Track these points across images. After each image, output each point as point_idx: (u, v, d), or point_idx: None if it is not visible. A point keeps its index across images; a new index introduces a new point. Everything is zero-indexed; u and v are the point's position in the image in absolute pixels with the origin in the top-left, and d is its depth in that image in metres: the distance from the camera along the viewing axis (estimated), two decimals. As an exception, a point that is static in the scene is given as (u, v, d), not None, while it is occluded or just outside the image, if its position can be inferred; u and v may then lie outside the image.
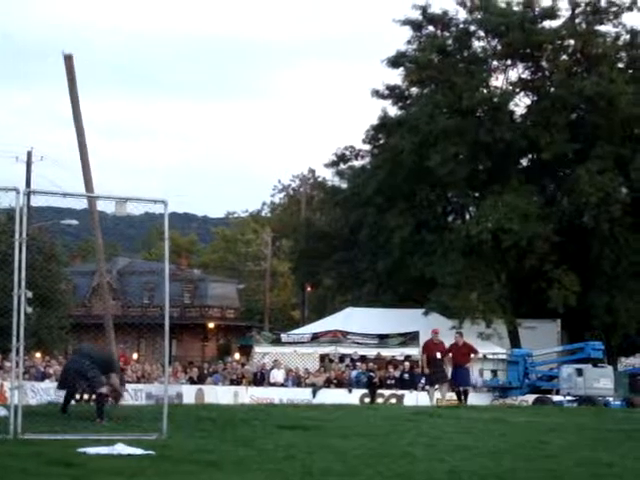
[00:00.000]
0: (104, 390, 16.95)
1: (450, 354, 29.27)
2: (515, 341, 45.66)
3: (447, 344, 29.58)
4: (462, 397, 28.98)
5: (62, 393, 18.14)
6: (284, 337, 44.67)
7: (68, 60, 20.20)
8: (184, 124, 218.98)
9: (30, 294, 13.89)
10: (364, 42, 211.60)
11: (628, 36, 49.09)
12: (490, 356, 40.54)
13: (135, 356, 49.17)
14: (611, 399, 35.53)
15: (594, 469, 11.67)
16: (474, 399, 32.39)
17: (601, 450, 14.18)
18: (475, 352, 30.56)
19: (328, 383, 38.01)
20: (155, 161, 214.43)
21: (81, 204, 21.21)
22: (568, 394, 35.67)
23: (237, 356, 51.36)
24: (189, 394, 35.32)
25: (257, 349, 43.74)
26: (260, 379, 38.80)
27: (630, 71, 48.64)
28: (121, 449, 12.09)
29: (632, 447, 15.09)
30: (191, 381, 38.75)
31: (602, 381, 35.95)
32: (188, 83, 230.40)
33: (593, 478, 10.89)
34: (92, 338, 36.70)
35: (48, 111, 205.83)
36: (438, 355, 28.49)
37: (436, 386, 28.77)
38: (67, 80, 20.35)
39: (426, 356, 28.82)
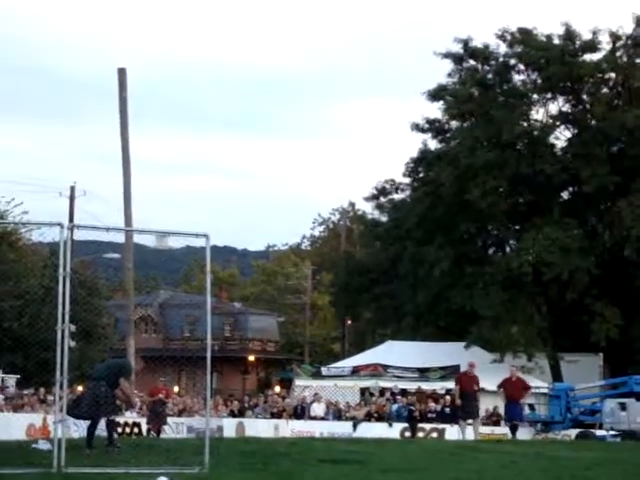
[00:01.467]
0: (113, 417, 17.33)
1: (502, 389, 29.16)
2: (557, 375, 45.35)
3: (490, 378, 29.40)
4: (514, 432, 28.85)
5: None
6: (324, 370, 44.62)
7: (121, 74, 20.52)
8: (228, 159, 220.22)
9: (73, 328, 13.98)
10: (405, 75, 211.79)
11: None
12: (533, 390, 40.28)
13: (176, 389, 49.30)
14: (654, 435, 35.11)
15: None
16: (521, 434, 32.19)
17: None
18: (529, 388, 30.49)
19: (369, 417, 37.90)
20: (199, 196, 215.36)
21: (123, 238, 21.49)
22: (611, 428, 35.34)
23: (277, 389, 51.36)
24: (230, 427, 35.29)
25: (297, 382, 43.70)
26: (300, 412, 38.75)
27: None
28: (163, 483, 12.14)
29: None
30: (232, 414, 38.78)
31: (645, 415, 35.64)
32: (228, 118, 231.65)
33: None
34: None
35: (93, 146, 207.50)
36: (474, 388, 28.12)
37: (469, 420, 28.34)
38: (119, 97, 20.67)
39: (459, 389, 28.39)
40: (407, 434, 35.39)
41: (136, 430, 33.81)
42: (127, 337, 24.86)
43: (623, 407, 35.61)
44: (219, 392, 55.28)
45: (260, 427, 34.98)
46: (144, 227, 17.85)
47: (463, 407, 28.00)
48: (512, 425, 29.19)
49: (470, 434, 27.50)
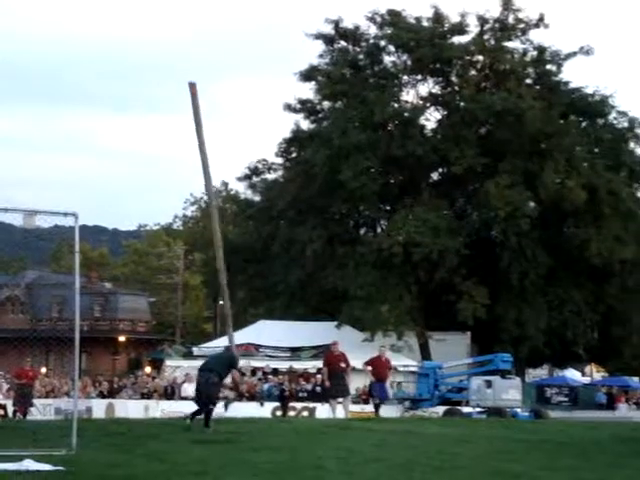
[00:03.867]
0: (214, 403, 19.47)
1: (369, 367, 29.30)
2: (426, 353, 46.04)
3: (361, 357, 29.57)
4: (378, 410, 29.07)
5: None
6: (196, 350, 44.32)
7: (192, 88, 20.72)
8: (100, 137, 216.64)
9: None
10: (277, 56, 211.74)
11: (535, 52, 50.03)
12: (401, 368, 40.77)
13: (44, 370, 48.37)
14: (519, 410, 35.87)
15: (501, 479, 11.82)
16: (386, 411, 32.52)
17: (510, 461, 14.35)
18: (392, 368, 30.85)
19: (240, 396, 37.83)
20: (68, 174, 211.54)
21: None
22: (477, 405, 35.92)
23: (148, 370, 50.84)
24: (99, 408, 34.85)
25: (168, 362, 43.37)
26: (171, 393, 38.42)
27: (537, 87, 49.51)
28: (29, 465, 11.88)
29: (539, 457, 15.31)
30: (101, 395, 38.25)
31: (510, 392, 36.29)
32: (101, 96, 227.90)
33: (500, 488, 11.03)
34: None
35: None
36: (342, 365, 27.98)
37: (339, 399, 28.30)
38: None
39: (327, 368, 28.15)
40: (278, 413, 35.43)
41: (1, 412, 33.12)
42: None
43: (489, 384, 36.16)
44: (88, 373, 54.44)
45: (130, 408, 34.58)
46: (9, 206, 17.30)
47: (333, 386, 28.00)
48: (377, 403, 29.43)
49: (341, 412, 27.61)
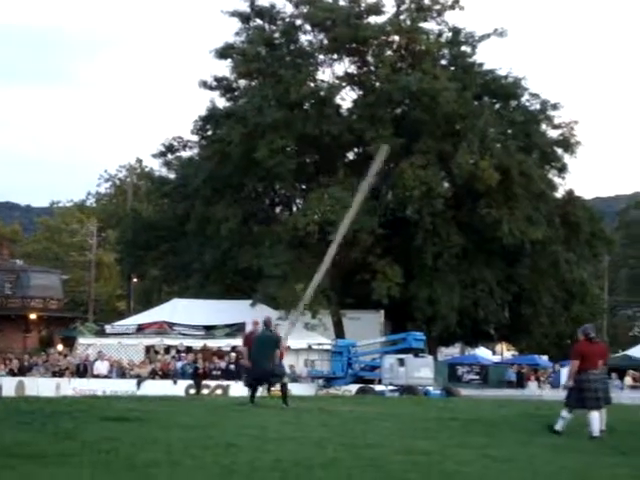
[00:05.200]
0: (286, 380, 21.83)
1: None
2: (340, 332, 46.27)
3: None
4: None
5: None
6: (108, 328, 43.98)
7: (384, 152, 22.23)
8: (7, 112, 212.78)
9: None
10: (194, 33, 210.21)
11: (450, 34, 50.42)
12: (315, 347, 40.96)
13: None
14: (431, 388, 36.34)
15: (414, 457, 11.97)
16: (300, 389, 32.71)
17: (421, 438, 14.56)
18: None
19: (153, 374, 37.70)
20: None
21: None
22: (390, 384, 36.29)
23: (60, 347, 50.32)
24: (9, 387, 34.47)
25: (81, 340, 42.95)
26: (83, 371, 38.16)
27: (452, 68, 49.91)
28: None
29: (450, 435, 15.56)
30: (11, 373, 37.79)
31: (423, 371, 36.76)
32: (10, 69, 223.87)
33: (413, 466, 11.14)
34: None
35: None
36: None
37: None
38: None
39: (247, 349, 27.98)
40: (192, 391, 35.41)
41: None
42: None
43: (402, 363, 36.57)
44: (-1, 351, 53.72)
45: (41, 386, 34.25)
46: None
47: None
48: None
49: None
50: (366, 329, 44.51)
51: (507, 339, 59.73)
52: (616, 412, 22.73)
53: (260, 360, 21.10)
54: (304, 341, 40.72)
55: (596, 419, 16.50)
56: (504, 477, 10.46)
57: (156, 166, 59.73)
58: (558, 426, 16.77)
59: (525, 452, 13.35)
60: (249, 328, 29.03)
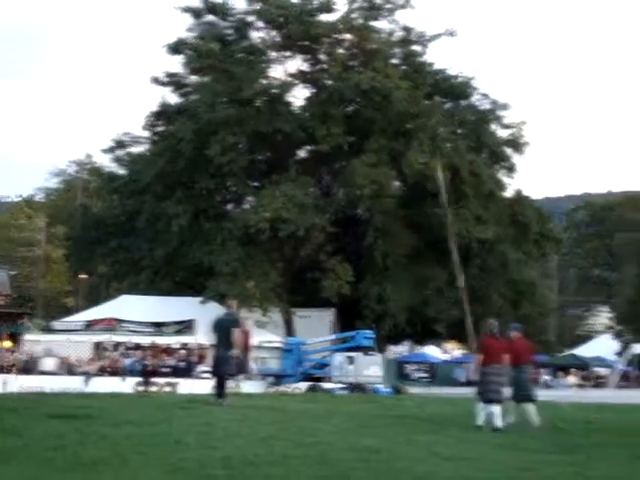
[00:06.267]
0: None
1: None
2: (290, 329, 46.28)
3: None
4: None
5: None
6: (56, 325, 43.66)
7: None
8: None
9: None
10: (146, 28, 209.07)
11: (402, 33, 50.57)
12: (265, 344, 40.91)
13: None
14: (380, 386, 36.47)
15: (363, 454, 12.00)
16: (250, 387, 32.64)
17: (369, 436, 14.60)
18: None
19: (101, 371, 37.47)
20: None
21: None
22: (339, 381, 36.37)
23: (7, 344, 49.77)
24: (-46, 383, 34.03)
25: (28, 337, 42.53)
26: (30, 367, 37.82)
27: (404, 67, 50.09)
28: None
29: (398, 432, 15.62)
30: (-43, 370, 37.36)
31: (372, 369, 36.91)
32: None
33: (361, 463, 11.17)
34: None
35: None
36: (249, 342, 28.12)
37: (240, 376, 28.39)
38: None
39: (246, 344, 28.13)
40: (140, 388, 35.23)
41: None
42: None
43: (351, 360, 36.69)
44: (-56, 347, 53.01)
45: (-13, 383, 33.89)
46: None
47: (249, 362, 28.16)
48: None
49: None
50: (316, 327, 44.54)
51: (456, 337, 60.02)
52: (560, 411, 22.98)
53: (219, 346, 20.83)
54: (254, 339, 40.66)
55: (498, 412, 17.06)
56: (452, 475, 10.52)
57: (106, 162, 59.29)
58: (479, 421, 17.11)
59: (472, 450, 13.45)
60: (205, 325, 29.10)
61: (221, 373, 20.68)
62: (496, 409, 17.09)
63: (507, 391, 17.65)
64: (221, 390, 20.51)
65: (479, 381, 17.68)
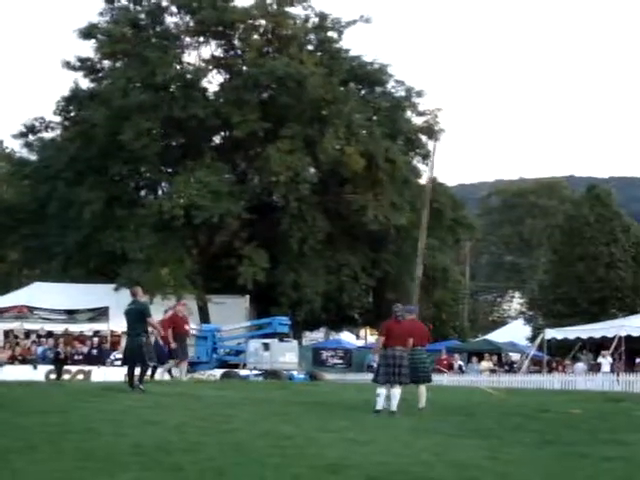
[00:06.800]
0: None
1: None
2: (205, 316, 46.11)
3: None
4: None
5: None
6: None
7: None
8: None
9: None
10: (59, 11, 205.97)
11: (317, 19, 50.56)
12: (180, 331, 40.61)
13: None
14: (295, 373, 36.51)
15: (276, 441, 11.97)
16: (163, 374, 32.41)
17: (284, 422, 14.57)
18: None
19: (12, 359, 36.96)
20: None
21: None
22: (255, 368, 36.33)
23: None
24: None
25: None
26: None
27: (319, 53, 50.06)
28: None
29: (312, 418, 15.62)
30: None
31: (287, 355, 36.93)
32: None
33: (276, 450, 11.14)
34: None
35: None
36: (186, 328, 28.02)
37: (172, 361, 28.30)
38: None
39: (173, 329, 28.02)
40: (52, 376, 34.85)
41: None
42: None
43: (266, 347, 36.66)
44: None
45: None
46: None
47: (182, 348, 27.97)
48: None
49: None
50: (231, 314, 44.42)
51: (371, 324, 60.37)
52: (474, 395, 23.24)
53: (129, 335, 20.69)
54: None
55: (397, 395, 17.22)
56: (365, 460, 10.53)
57: (17, 147, 58.28)
58: (378, 405, 17.22)
59: (386, 435, 13.50)
60: (118, 312, 28.85)
61: (131, 363, 20.44)
62: (396, 392, 17.20)
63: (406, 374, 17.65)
64: (132, 379, 20.29)
65: (378, 364, 17.82)
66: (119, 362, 29.99)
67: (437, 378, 35.07)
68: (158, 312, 32.15)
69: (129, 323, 20.51)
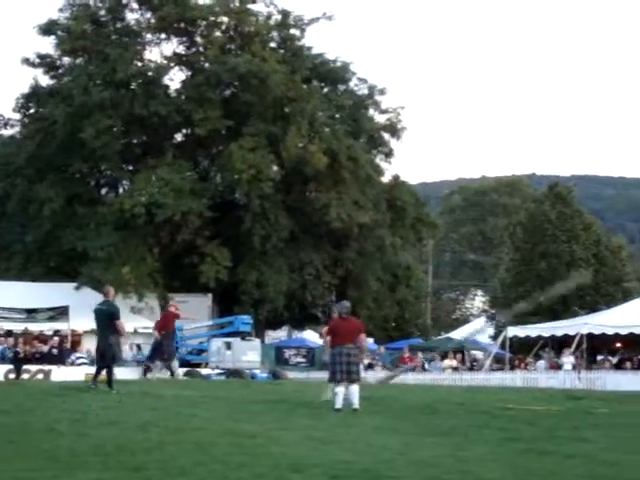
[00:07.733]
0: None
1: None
2: (166, 315, 45.82)
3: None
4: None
5: None
6: None
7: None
8: None
9: None
10: (17, 7, 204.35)
11: (280, 16, 50.46)
12: (141, 330, 40.45)
13: None
14: (258, 371, 36.46)
15: (239, 440, 11.93)
16: (125, 373, 32.25)
17: (246, 421, 14.52)
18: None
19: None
20: None
21: None
22: (217, 367, 36.23)
23: None
24: None
25: None
26: None
27: (281, 51, 50.00)
28: None
29: (275, 418, 15.57)
30: None
31: (250, 354, 36.87)
32: None
33: (238, 448, 11.10)
34: None
35: None
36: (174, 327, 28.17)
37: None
38: None
39: (161, 329, 28.04)
40: (12, 376, 34.47)
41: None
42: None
43: (229, 346, 36.57)
44: None
45: None
46: None
47: (169, 347, 27.99)
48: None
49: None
50: (193, 312, 44.18)
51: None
52: (437, 393, 23.31)
53: (98, 336, 20.88)
54: (130, 324, 40.11)
55: (356, 391, 17.24)
56: (328, 458, 10.49)
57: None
58: (337, 404, 17.17)
59: (348, 433, 13.47)
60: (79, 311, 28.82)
61: (103, 364, 20.61)
62: (353, 389, 17.18)
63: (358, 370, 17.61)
64: (96, 377, 20.27)
65: (329, 363, 17.79)
66: (80, 361, 29.88)
67: (401, 377, 35.32)
68: (123, 312, 32.06)
69: (98, 323, 20.72)
